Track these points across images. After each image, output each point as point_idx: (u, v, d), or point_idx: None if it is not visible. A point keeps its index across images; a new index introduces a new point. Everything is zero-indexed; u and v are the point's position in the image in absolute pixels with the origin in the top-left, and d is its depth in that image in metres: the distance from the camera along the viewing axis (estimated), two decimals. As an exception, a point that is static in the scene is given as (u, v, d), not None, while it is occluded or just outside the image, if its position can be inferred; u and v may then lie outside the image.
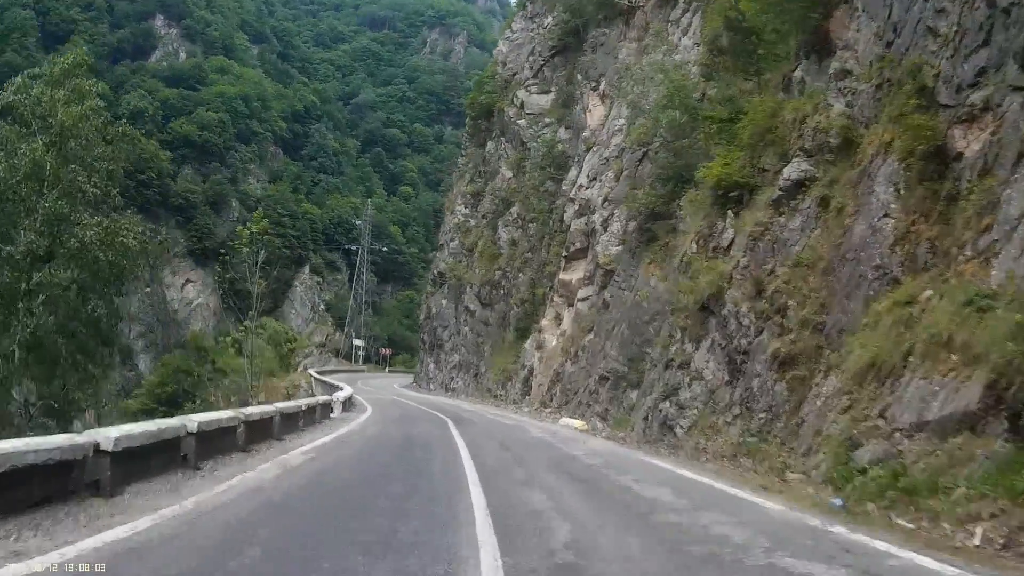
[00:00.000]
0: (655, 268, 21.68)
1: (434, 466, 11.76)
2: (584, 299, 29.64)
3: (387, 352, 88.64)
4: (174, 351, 67.02)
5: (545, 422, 24.03)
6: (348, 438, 15.51)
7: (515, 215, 42.50)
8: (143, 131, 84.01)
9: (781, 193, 14.57)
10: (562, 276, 32.77)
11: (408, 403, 32.88)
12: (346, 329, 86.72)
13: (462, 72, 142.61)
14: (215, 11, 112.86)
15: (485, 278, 43.97)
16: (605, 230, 28.33)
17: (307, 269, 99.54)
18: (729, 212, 16.96)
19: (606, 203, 28.88)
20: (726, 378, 14.81)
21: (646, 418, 18.02)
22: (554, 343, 32.31)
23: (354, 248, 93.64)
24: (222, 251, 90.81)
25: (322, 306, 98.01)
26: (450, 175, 74.41)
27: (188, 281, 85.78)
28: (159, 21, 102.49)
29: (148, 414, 35.49)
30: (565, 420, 23.14)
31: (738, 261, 15.37)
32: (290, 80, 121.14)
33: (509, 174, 45.33)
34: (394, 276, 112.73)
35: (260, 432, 12.42)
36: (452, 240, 53.58)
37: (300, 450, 12.11)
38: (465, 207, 52.50)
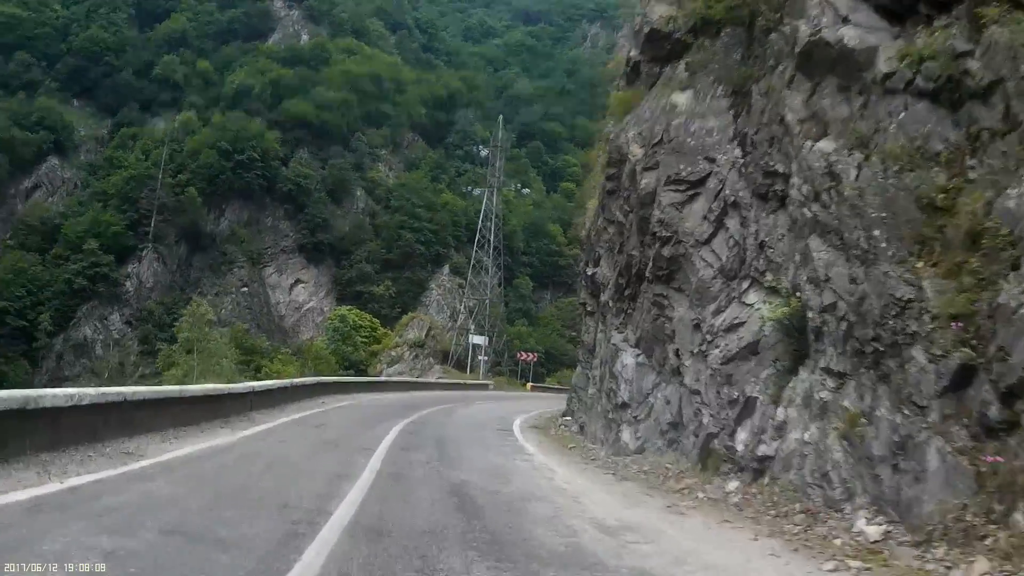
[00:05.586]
0: None
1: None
2: None
3: (528, 358, 63.12)
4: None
5: None
6: None
7: None
8: (246, 110, 71.26)
9: None
10: None
11: None
12: (459, 319, 64.75)
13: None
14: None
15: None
16: None
17: (446, 269, 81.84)
18: None
19: None
20: None
21: None
22: None
23: (476, 193, 74.59)
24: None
25: (463, 313, 79.55)
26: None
27: (298, 281, 70.45)
28: (278, 3, 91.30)
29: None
30: None
31: None
32: (432, 69, 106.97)
33: None
34: (554, 282, 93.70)
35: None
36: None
37: None
38: None
